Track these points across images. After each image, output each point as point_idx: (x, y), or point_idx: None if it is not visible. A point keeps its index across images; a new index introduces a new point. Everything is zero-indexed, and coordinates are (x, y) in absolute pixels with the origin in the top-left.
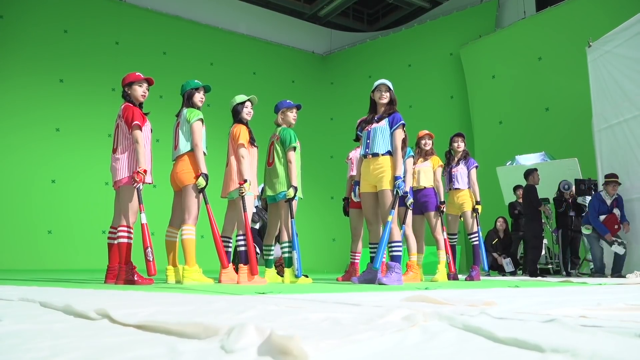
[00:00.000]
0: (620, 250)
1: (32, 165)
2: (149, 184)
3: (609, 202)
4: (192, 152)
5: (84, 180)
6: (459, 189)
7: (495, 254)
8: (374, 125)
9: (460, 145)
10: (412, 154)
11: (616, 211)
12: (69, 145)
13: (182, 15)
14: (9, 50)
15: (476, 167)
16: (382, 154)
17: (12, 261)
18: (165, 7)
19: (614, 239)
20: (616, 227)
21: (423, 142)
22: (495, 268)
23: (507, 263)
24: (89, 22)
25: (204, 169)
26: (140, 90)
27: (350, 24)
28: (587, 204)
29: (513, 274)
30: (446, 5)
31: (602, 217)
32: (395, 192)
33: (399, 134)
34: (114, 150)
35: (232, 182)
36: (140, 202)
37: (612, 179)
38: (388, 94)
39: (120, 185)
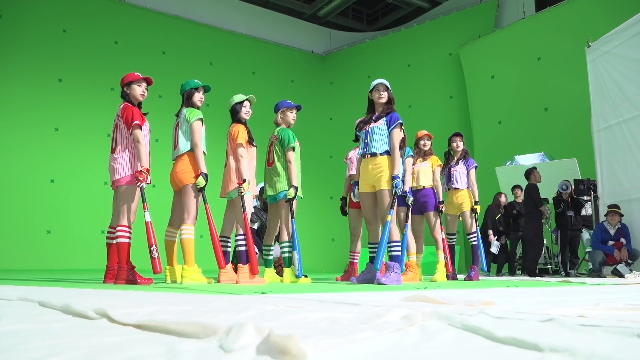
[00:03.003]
0: (624, 270)
1: (31, 165)
2: (148, 184)
3: (612, 231)
4: (191, 151)
5: (83, 180)
6: (458, 188)
7: (490, 232)
8: (372, 124)
9: (459, 145)
10: (411, 153)
11: (623, 240)
12: (68, 145)
13: (181, 15)
14: (8, 50)
15: (475, 167)
16: (381, 154)
17: (11, 261)
18: (164, 7)
19: (622, 260)
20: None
21: (422, 142)
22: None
23: (496, 245)
24: (88, 22)
25: (203, 168)
26: (139, 90)
27: (350, 23)
28: (584, 201)
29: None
30: (445, 5)
31: (610, 243)
32: (393, 192)
33: (397, 134)
34: (113, 150)
35: (230, 182)
36: (144, 200)
37: (612, 209)
38: (386, 93)
39: (119, 185)
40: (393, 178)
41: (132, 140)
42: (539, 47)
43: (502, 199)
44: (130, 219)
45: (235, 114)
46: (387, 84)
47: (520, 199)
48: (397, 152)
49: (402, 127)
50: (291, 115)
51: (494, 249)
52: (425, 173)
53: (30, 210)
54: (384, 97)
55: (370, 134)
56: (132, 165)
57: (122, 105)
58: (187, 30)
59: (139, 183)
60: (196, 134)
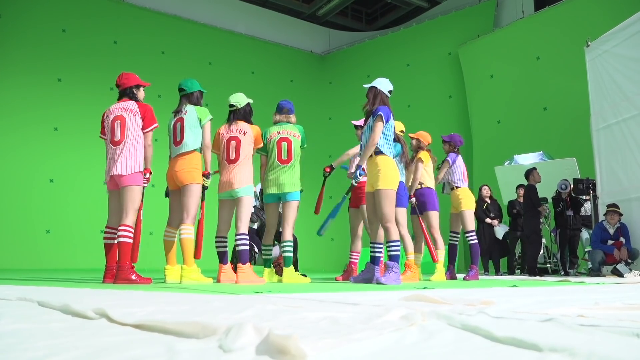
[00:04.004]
0: (624, 270)
1: (31, 164)
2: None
3: (611, 231)
4: (196, 151)
5: (82, 180)
6: (459, 186)
7: (488, 220)
8: (363, 128)
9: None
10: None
11: (622, 240)
12: (67, 145)
13: (180, 15)
14: (8, 50)
15: (450, 161)
16: (376, 154)
17: (11, 261)
18: (163, 7)
19: (621, 259)
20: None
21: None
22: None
23: (500, 230)
24: (88, 22)
25: (210, 169)
26: (143, 94)
27: (349, 23)
28: (583, 201)
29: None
30: (445, 4)
31: (609, 242)
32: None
33: (378, 127)
34: (117, 143)
35: (240, 179)
36: (141, 200)
37: (612, 209)
38: (369, 95)
39: (126, 185)
40: (357, 168)
41: (139, 138)
42: (538, 47)
43: (484, 192)
44: (133, 219)
45: (249, 115)
46: (370, 85)
47: (522, 199)
48: (372, 143)
49: (383, 119)
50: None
51: (500, 234)
52: (425, 171)
53: (30, 210)
54: (369, 100)
55: (363, 137)
56: (139, 164)
57: (137, 102)
58: (186, 30)
59: (146, 183)
60: (208, 136)
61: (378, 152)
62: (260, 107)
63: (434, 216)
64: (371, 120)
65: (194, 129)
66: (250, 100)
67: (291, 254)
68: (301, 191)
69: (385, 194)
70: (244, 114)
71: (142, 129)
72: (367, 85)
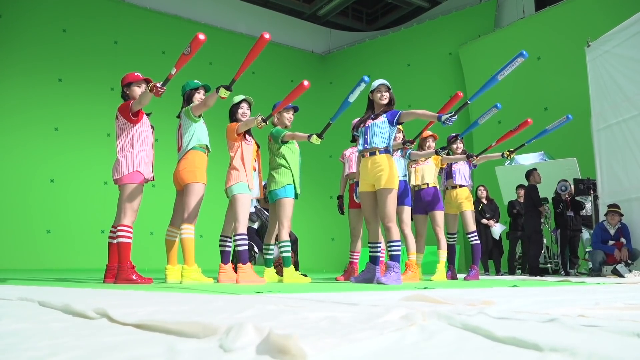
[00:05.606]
0: (623, 270)
1: (31, 164)
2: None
3: (612, 231)
4: (193, 149)
5: (82, 180)
6: (461, 185)
7: (484, 220)
8: (372, 121)
9: (458, 147)
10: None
11: (623, 240)
12: (67, 145)
13: (181, 15)
14: (8, 50)
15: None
16: (380, 152)
17: (11, 261)
18: (164, 7)
19: (622, 259)
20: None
21: (427, 144)
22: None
23: (496, 230)
24: (88, 22)
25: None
26: (138, 91)
27: (350, 23)
28: (585, 202)
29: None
30: (445, 4)
31: (610, 243)
32: (443, 119)
33: (407, 113)
34: (118, 149)
35: (229, 178)
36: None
37: (612, 209)
38: (387, 93)
39: (121, 184)
40: (439, 118)
41: (132, 139)
42: (538, 47)
43: (479, 193)
44: (132, 219)
45: (231, 115)
46: (389, 84)
47: (522, 199)
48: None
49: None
50: (287, 116)
51: (497, 233)
52: (430, 171)
53: (30, 210)
54: (385, 97)
55: (370, 130)
56: (132, 163)
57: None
58: (187, 30)
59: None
60: (199, 105)
61: (384, 150)
62: (261, 107)
63: (441, 216)
64: (385, 121)
65: (185, 128)
66: (241, 98)
67: (289, 254)
68: (290, 185)
69: (388, 193)
70: (230, 116)
71: (134, 124)
72: (385, 82)
